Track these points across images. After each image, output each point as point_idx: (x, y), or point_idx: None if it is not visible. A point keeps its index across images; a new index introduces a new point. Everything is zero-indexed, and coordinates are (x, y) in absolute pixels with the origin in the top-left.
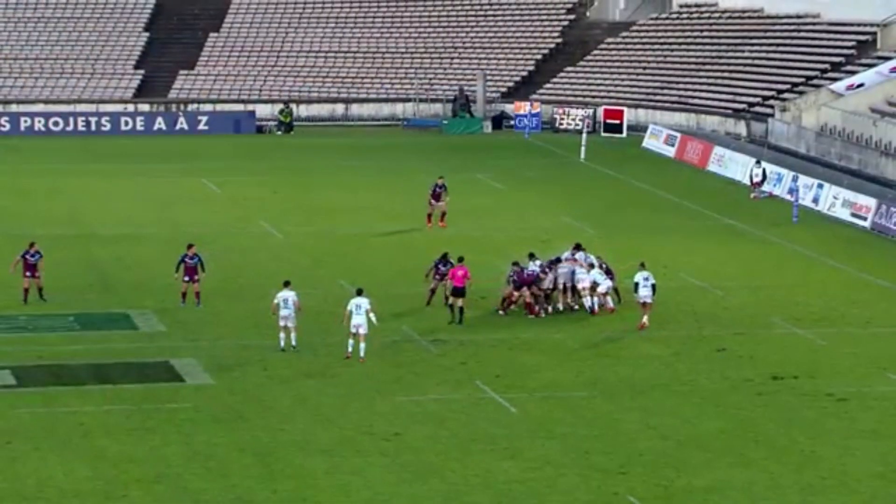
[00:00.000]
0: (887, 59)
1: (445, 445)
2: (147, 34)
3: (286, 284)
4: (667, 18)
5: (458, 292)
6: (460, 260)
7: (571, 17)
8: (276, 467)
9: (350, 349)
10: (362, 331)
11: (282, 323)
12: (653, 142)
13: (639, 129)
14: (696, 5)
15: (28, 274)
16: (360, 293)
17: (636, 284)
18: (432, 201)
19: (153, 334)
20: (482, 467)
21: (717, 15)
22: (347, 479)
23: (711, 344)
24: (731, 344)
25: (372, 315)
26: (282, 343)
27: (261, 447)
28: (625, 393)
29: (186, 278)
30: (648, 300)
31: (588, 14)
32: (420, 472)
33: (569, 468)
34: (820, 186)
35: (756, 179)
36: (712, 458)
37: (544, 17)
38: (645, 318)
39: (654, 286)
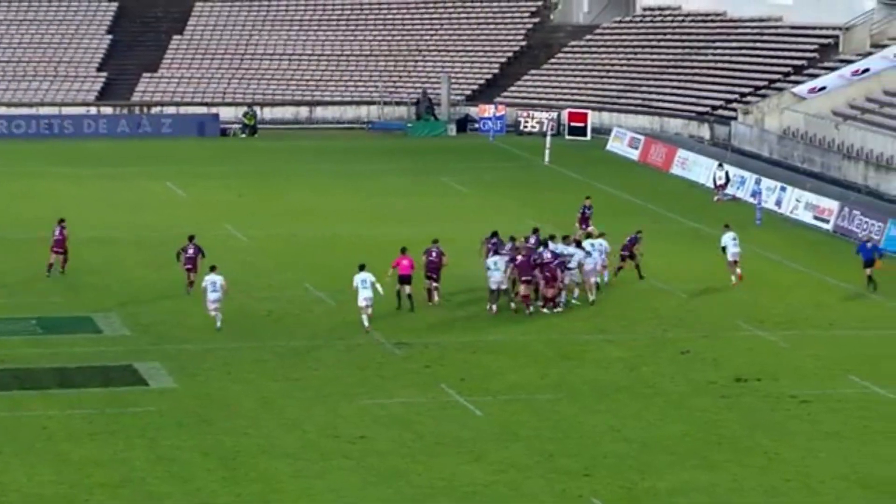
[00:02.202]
0: (849, 62)
1: (410, 449)
2: (110, 37)
3: (213, 269)
4: (630, 21)
5: (406, 280)
6: (403, 250)
7: (535, 19)
8: (241, 471)
9: (367, 324)
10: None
11: (212, 307)
12: (617, 145)
13: (603, 132)
14: (660, 8)
15: (58, 250)
16: (362, 268)
17: (724, 248)
18: (581, 226)
19: (117, 338)
20: (447, 470)
21: (680, 18)
22: (312, 483)
23: (675, 346)
24: (695, 346)
25: (378, 286)
26: (218, 324)
27: (225, 451)
28: (589, 395)
29: (189, 266)
30: (737, 258)
31: (552, 17)
32: (385, 476)
33: (533, 471)
34: (783, 189)
35: (720, 182)
36: (676, 461)
37: (508, 20)
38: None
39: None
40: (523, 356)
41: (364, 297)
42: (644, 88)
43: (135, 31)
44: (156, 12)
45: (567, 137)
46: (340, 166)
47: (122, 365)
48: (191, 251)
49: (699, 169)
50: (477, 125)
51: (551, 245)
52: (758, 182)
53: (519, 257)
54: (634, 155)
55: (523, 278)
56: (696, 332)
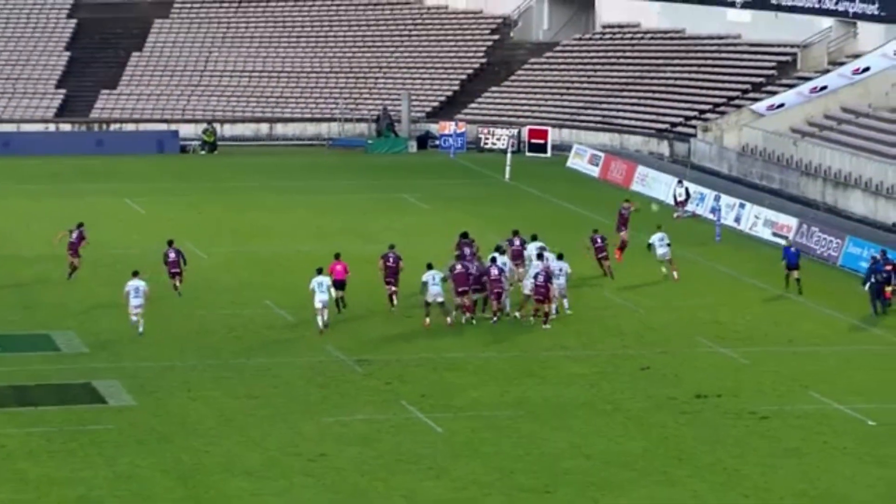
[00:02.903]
0: (807, 79)
1: (371, 466)
2: (68, 53)
3: (135, 274)
4: (590, 39)
5: (339, 285)
6: (337, 256)
7: (496, 37)
8: (200, 489)
9: (321, 325)
10: (326, 308)
11: (134, 312)
12: (577, 161)
13: (563, 149)
14: (619, 26)
15: (71, 252)
16: (319, 272)
17: (650, 245)
18: (620, 229)
19: (75, 355)
20: (408, 487)
21: (639, 35)
22: (272, 501)
23: (636, 363)
24: (655, 363)
25: (332, 290)
26: (140, 328)
27: (185, 469)
28: (550, 412)
29: (174, 271)
30: (667, 257)
31: (512, 34)
32: (346, 493)
33: (494, 488)
34: (742, 206)
35: (680, 199)
36: (637, 477)
37: (468, 37)
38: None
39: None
40: (484, 373)
41: (320, 299)
42: (604, 105)
43: (93, 47)
44: (115, 28)
45: (527, 154)
46: (301, 183)
47: (80, 383)
48: (172, 255)
49: (659, 186)
50: (437, 142)
51: (499, 259)
52: (717, 199)
53: (458, 267)
54: (595, 172)
55: (459, 289)
56: (655, 348)
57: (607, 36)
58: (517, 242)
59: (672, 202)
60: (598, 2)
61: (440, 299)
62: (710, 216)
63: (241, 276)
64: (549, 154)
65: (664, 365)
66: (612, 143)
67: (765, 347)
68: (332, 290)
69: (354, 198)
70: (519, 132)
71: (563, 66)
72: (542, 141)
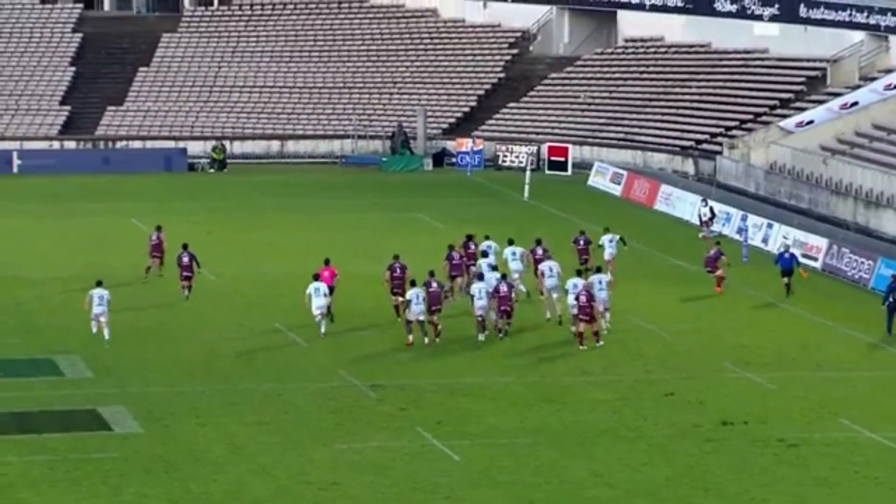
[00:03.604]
0: (837, 95)
1: (385, 495)
2: (73, 69)
3: (99, 284)
4: (612, 53)
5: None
6: (326, 262)
7: (514, 51)
8: None
9: (323, 329)
10: (422, 317)
11: (98, 320)
12: (598, 180)
13: (584, 167)
14: (643, 40)
15: (156, 254)
16: (317, 278)
17: (601, 245)
18: (711, 266)
19: (79, 380)
20: None
21: (663, 50)
22: None
23: (659, 389)
24: (679, 389)
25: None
26: (94, 330)
27: (192, 499)
28: (570, 440)
29: (186, 275)
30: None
31: (531, 48)
32: None
33: None
34: (770, 226)
35: (705, 218)
36: None
37: (486, 52)
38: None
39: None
40: (502, 399)
41: (317, 305)
42: (626, 122)
43: (99, 62)
44: (121, 43)
45: (547, 172)
46: (313, 202)
47: (84, 409)
48: (185, 259)
49: (683, 205)
50: (454, 160)
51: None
52: (744, 219)
53: (434, 284)
54: (617, 190)
55: (433, 308)
56: (680, 373)
57: (630, 50)
58: (539, 252)
59: (697, 222)
60: (621, 15)
61: (422, 318)
62: (737, 236)
63: (251, 298)
64: (569, 172)
65: (689, 391)
66: (635, 160)
67: (793, 372)
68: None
69: (368, 217)
70: (538, 149)
71: (584, 82)
72: (562, 159)
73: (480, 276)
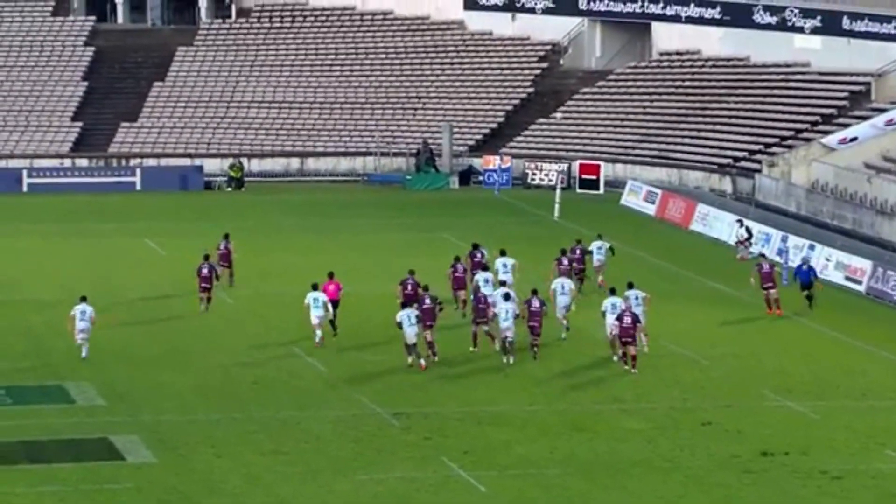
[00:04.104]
0: (882, 110)
1: None
2: (86, 83)
3: (83, 299)
4: (646, 67)
5: (332, 304)
6: (330, 275)
7: (544, 65)
8: None
9: (317, 339)
10: (318, 321)
11: (79, 336)
12: (632, 199)
13: (617, 186)
14: (678, 53)
15: (224, 264)
16: (315, 287)
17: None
18: (767, 285)
19: (91, 408)
20: None
21: (700, 63)
22: None
23: (696, 417)
24: (717, 417)
25: (329, 306)
26: (84, 353)
27: None
28: (602, 470)
29: (205, 286)
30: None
31: (562, 62)
32: None
33: None
34: (811, 248)
35: (741, 239)
36: None
37: (515, 66)
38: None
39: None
40: (531, 427)
41: (316, 315)
42: (661, 138)
43: (112, 77)
44: (135, 57)
45: (578, 191)
46: (334, 222)
47: (96, 438)
48: (205, 271)
49: (721, 225)
50: (481, 178)
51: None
52: (784, 240)
53: (427, 300)
54: (651, 210)
55: (427, 323)
56: (718, 401)
57: (665, 64)
58: (564, 262)
59: (734, 243)
60: (655, 27)
61: (415, 340)
62: (777, 258)
63: (269, 322)
64: (601, 191)
65: (727, 419)
66: (670, 179)
67: (836, 401)
68: (329, 307)
69: (391, 237)
70: (569, 167)
71: (616, 97)
72: (593, 177)
73: (507, 296)
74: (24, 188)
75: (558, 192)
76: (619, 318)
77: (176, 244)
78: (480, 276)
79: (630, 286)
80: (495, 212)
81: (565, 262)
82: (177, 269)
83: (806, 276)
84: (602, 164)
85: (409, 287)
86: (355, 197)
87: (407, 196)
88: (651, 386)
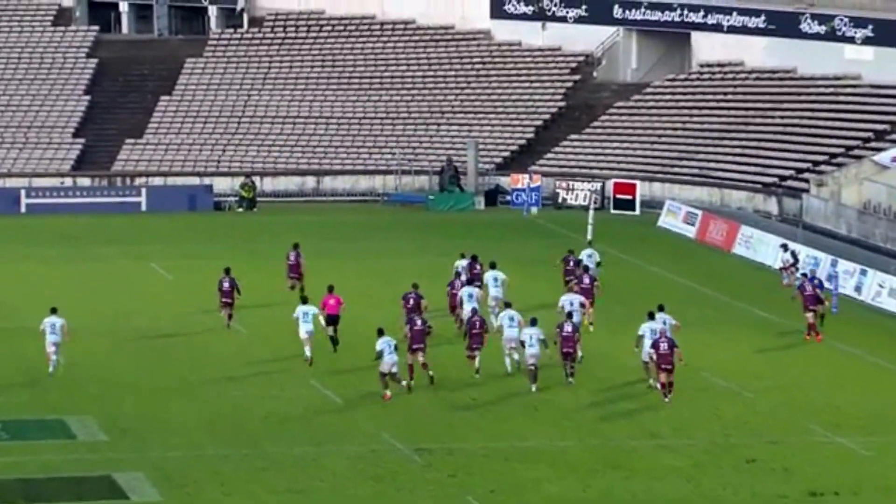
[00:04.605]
0: None
1: None
2: (88, 98)
3: (53, 311)
4: (685, 79)
5: (333, 320)
6: (330, 289)
7: (576, 77)
8: None
9: (308, 354)
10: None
11: (51, 349)
12: (670, 220)
13: (654, 206)
14: (720, 64)
15: (293, 275)
16: (305, 301)
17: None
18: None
19: (93, 444)
20: None
21: (743, 76)
22: None
23: (739, 454)
24: (761, 454)
25: (321, 318)
26: (51, 369)
27: None
28: None
29: (225, 301)
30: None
31: (595, 74)
32: None
33: None
34: (863, 273)
35: (786, 265)
36: None
37: (545, 78)
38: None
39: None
40: (562, 465)
41: (305, 329)
42: (702, 156)
43: (116, 91)
44: (141, 69)
45: (612, 211)
46: (352, 245)
47: (98, 475)
48: (226, 285)
49: (765, 248)
50: (508, 198)
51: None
52: (834, 264)
53: (418, 321)
54: (691, 232)
55: (414, 346)
56: (762, 437)
57: (706, 75)
58: (586, 280)
59: (778, 269)
60: (695, 37)
61: (395, 370)
62: (826, 285)
63: (282, 352)
64: (637, 212)
65: (772, 456)
66: (711, 199)
67: (890, 437)
68: (324, 324)
69: (413, 261)
70: (602, 186)
71: (654, 111)
72: (629, 196)
73: (534, 322)
74: (23, 209)
75: (591, 212)
76: (656, 345)
77: (184, 268)
78: (465, 291)
79: (660, 309)
80: (523, 234)
81: (586, 280)
82: (184, 295)
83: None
84: (638, 183)
85: (412, 301)
86: (374, 218)
87: (429, 217)
88: (690, 420)
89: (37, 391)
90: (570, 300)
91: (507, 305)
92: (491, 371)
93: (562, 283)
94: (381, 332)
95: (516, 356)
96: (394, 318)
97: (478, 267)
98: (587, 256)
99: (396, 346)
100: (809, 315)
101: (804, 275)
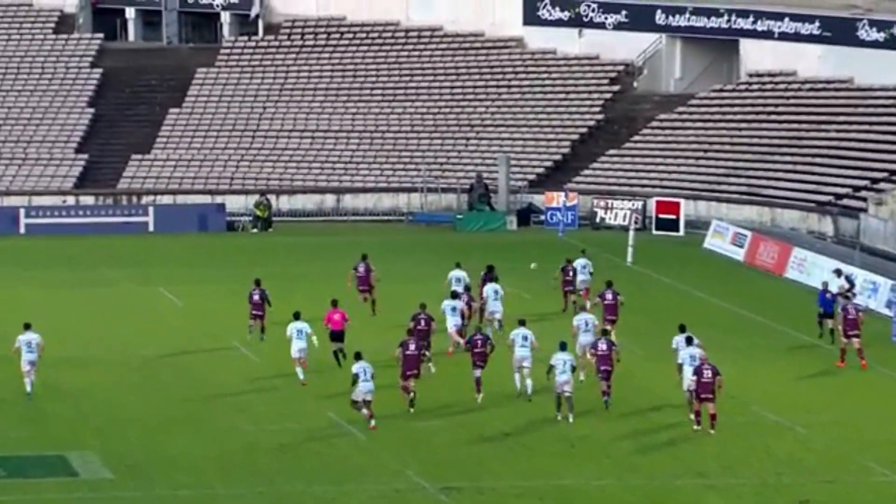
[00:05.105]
0: None
1: None
2: (92, 110)
3: (27, 327)
4: (734, 90)
5: (338, 336)
6: (334, 303)
7: (615, 88)
8: None
9: (301, 376)
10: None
11: (27, 367)
12: (717, 242)
13: (699, 227)
14: (770, 74)
15: (363, 287)
16: (297, 317)
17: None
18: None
19: (96, 482)
20: None
21: (795, 86)
22: None
23: (792, 494)
24: (816, 494)
25: (314, 339)
26: (29, 388)
27: None
28: None
29: (256, 313)
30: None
31: (636, 84)
32: None
33: None
34: None
35: (841, 290)
36: None
37: (582, 89)
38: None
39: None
40: None
41: (298, 347)
42: (751, 172)
43: (122, 103)
44: (149, 80)
45: (655, 232)
46: (374, 267)
47: None
48: (256, 297)
49: (819, 272)
50: (543, 217)
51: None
52: (894, 290)
53: (411, 345)
54: (739, 254)
55: (407, 373)
56: (817, 475)
57: (755, 86)
58: (609, 297)
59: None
60: (744, 45)
61: (369, 397)
62: (886, 311)
63: (298, 381)
64: (681, 232)
65: (828, 497)
66: (761, 218)
67: None
68: (329, 340)
69: (439, 286)
70: (644, 205)
71: (699, 124)
72: (672, 216)
73: (563, 346)
74: (22, 230)
75: (632, 233)
76: (698, 372)
77: (194, 294)
78: (447, 304)
79: (682, 330)
80: (559, 256)
81: (609, 295)
82: (194, 321)
83: (830, 306)
84: (682, 201)
85: (422, 322)
86: (398, 239)
87: (457, 238)
88: (739, 458)
89: (37, 425)
90: (584, 320)
91: (522, 323)
92: (523, 405)
93: (561, 296)
94: (358, 357)
95: (529, 382)
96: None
97: (491, 278)
98: (581, 267)
99: (374, 374)
100: (850, 340)
101: (846, 295)
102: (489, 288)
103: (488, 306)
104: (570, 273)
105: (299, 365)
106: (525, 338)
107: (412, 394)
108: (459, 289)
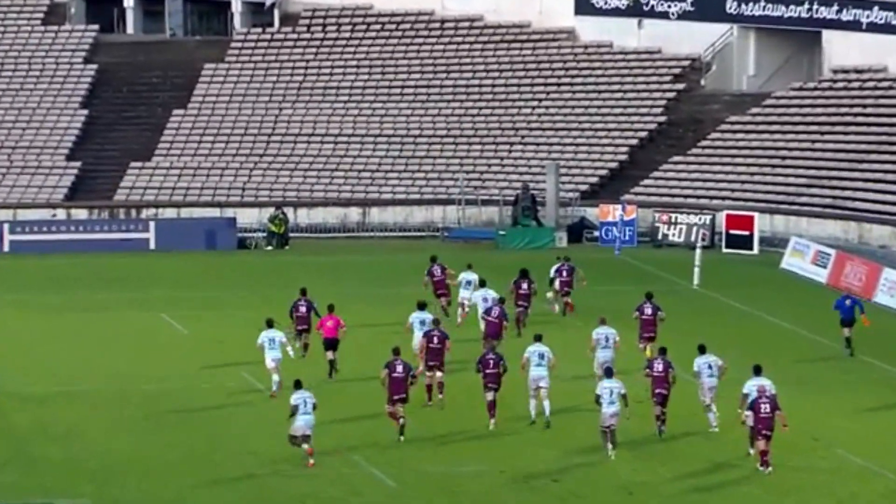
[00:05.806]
0: None
1: None
2: (85, 112)
3: None
4: (815, 89)
5: (331, 344)
6: (330, 309)
7: (680, 86)
8: None
9: (274, 388)
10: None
11: None
12: (796, 261)
13: (776, 244)
14: (856, 70)
15: (441, 291)
16: (270, 325)
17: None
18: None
19: None
20: None
21: (885, 83)
22: None
23: None
24: None
25: (289, 349)
26: None
27: None
28: None
29: (302, 327)
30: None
31: (704, 83)
32: None
33: None
34: None
35: None
36: None
37: (642, 88)
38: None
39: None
40: None
41: (272, 357)
42: (835, 182)
43: (119, 103)
44: (150, 78)
45: (725, 251)
46: (403, 290)
47: None
48: (303, 308)
49: None
50: (597, 233)
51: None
52: None
53: (399, 367)
54: (822, 276)
55: (395, 397)
56: None
57: (840, 84)
58: (648, 311)
59: None
60: (827, 37)
61: (308, 432)
62: None
63: (320, 420)
64: (755, 251)
65: None
66: (847, 235)
67: None
68: (323, 349)
69: (475, 313)
70: (712, 220)
71: (775, 127)
72: (745, 232)
73: (609, 372)
74: (6, 247)
75: (699, 252)
76: (756, 406)
77: (201, 320)
78: (415, 318)
79: (701, 351)
80: (615, 277)
81: (648, 310)
82: (201, 352)
83: (850, 312)
84: (756, 215)
85: (436, 340)
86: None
87: (500, 257)
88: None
89: (25, 470)
90: (605, 335)
91: (538, 339)
92: (565, 434)
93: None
94: (297, 385)
95: (547, 403)
96: (463, 382)
97: (524, 285)
98: (554, 271)
99: (315, 405)
100: None
101: None
102: (478, 294)
103: (480, 311)
104: (565, 273)
105: (275, 374)
106: (542, 356)
107: (402, 420)
108: (467, 292)
